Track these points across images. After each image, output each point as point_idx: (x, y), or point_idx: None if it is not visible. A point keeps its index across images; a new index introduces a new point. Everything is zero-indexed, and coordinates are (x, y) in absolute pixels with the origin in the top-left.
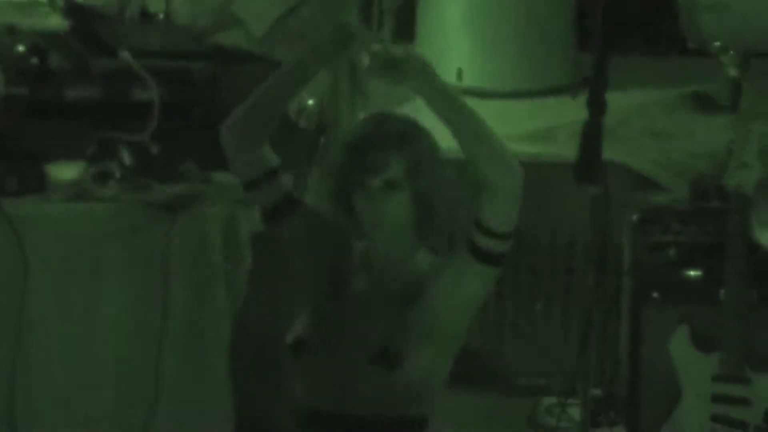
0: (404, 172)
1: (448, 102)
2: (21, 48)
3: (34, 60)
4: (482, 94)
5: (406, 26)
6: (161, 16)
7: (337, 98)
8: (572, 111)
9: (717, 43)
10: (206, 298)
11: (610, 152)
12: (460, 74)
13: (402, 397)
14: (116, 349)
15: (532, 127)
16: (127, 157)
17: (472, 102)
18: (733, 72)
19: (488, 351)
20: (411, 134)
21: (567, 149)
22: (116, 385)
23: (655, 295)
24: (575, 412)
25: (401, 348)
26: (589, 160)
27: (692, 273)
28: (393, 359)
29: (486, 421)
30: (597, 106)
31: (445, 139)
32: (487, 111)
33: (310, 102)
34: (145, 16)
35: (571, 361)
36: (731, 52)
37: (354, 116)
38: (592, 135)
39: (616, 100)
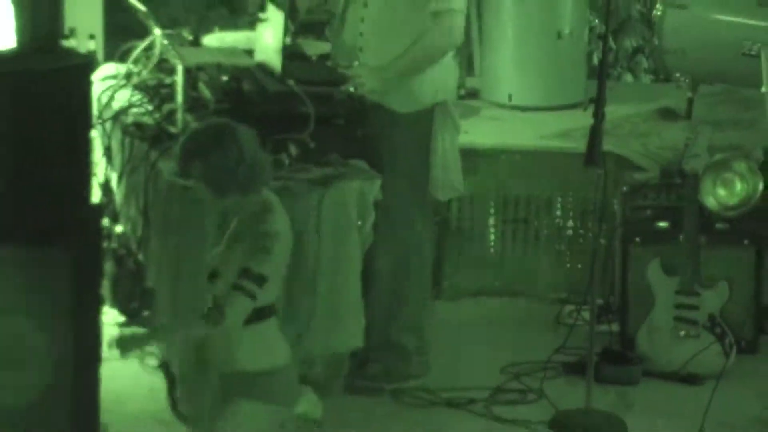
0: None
1: None
2: (224, 78)
3: (233, 85)
4: (524, 108)
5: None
6: (314, 58)
7: None
8: (583, 119)
9: (677, 75)
10: (345, 242)
11: (607, 146)
12: (510, 97)
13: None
14: (292, 264)
15: (557, 129)
16: (293, 150)
17: (516, 114)
18: (688, 93)
19: (528, 274)
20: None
21: (580, 144)
22: (285, 307)
23: (637, 239)
24: (586, 314)
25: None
26: (594, 151)
27: (662, 225)
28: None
29: (525, 321)
30: (599, 116)
31: None
32: (527, 119)
33: None
34: (304, 57)
35: (583, 281)
36: (686, 80)
37: None
38: (595, 134)
39: (612, 112)
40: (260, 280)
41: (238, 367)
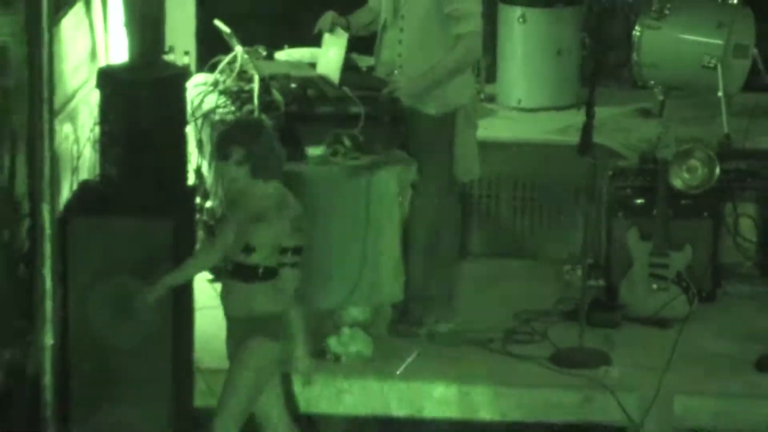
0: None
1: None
2: (292, 85)
3: (299, 91)
4: (531, 110)
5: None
6: (364, 68)
7: None
8: (578, 117)
9: (652, 82)
10: (388, 214)
11: (596, 139)
12: (519, 101)
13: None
14: (340, 241)
15: (556, 126)
16: (347, 142)
17: (524, 114)
18: (660, 97)
19: (534, 240)
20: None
21: (575, 138)
22: (339, 267)
23: (619, 213)
24: (580, 272)
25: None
26: (586, 142)
27: (639, 201)
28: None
29: (532, 277)
30: (590, 115)
31: None
32: (533, 118)
33: None
34: (356, 69)
35: (578, 246)
36: (659, 87)
37: None
38: (587, 129)
39: (600, 112)
40: (299, 250)
41: (254, 312)
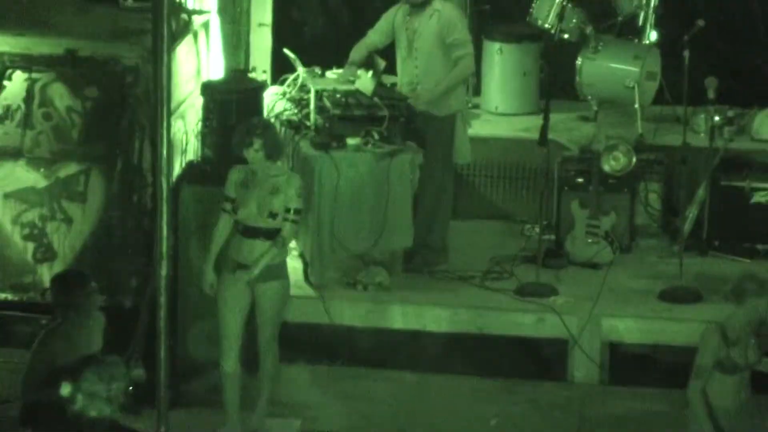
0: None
1: None
2: (338, 96)
3: (342, 100)
4: (504, 114)
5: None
6: (389, 84)
7: None
8: (537, 120)
9: (589, 97)
10: (402, 187)
11: (550, 135)
12: (496, 108)
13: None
14: (369, 205)
15: (523, 126)
16: (375, 135)
17: (500, 117)
18: (595, 107)
19: (505, 206)
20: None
21: (535, 135)
22: (368, 221)
23: (566, 188)
24: (537, 229)
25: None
26: (543, 138)
27: (579, 180)
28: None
29: (504, 233)
30: (546, 118)
31: None
32: (506, 120)
33: None
34: (382, 84)
35: (536, 211)
36: (594, 100)
37: None
38: (544, 129)
39: (553, 117)
40: (299, 211)
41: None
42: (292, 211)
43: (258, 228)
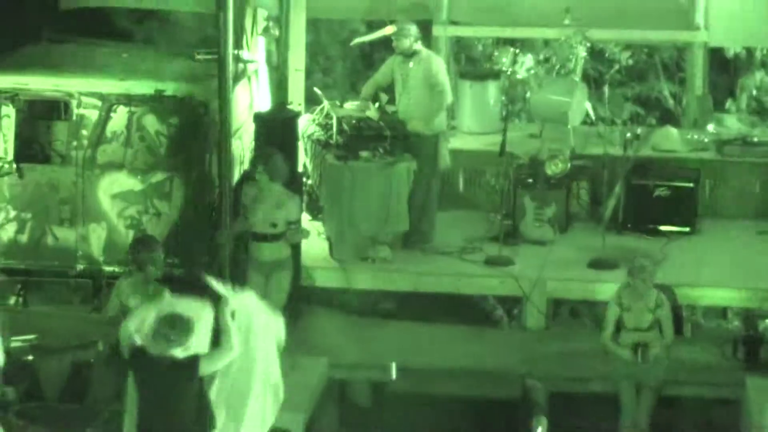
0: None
1: None
2: (353, 121)
3: (356, 124)
4: (474, 133)
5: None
6: (390, 112)
7: None
8: (498, 137)
9: (536, 120)
10: (400, 187)
11: (508, 148)
12: (468, 128)
13: None
14: (376, 200)
15: (488, 141)
16: (381, 150)
17: (472, 135)
18: (540, 127)
19: (476, 200)
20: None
21: (497, 147)
22: (375, 211)
23: (519, 186)
24: (500, 217)
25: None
26: (502, 150)
27: (530, 180)
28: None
29: (475, 220)
30: (505, 136)
31: None
32: (476, 137)
33: None
34: (385, 112)
35: (500, 203)
36: (540, 121)
37: None
38: (503, 143)
39: (510, 134)
40: (298, 221)
41: (279, 257)
42: (293, 223)
43: (264, 234)
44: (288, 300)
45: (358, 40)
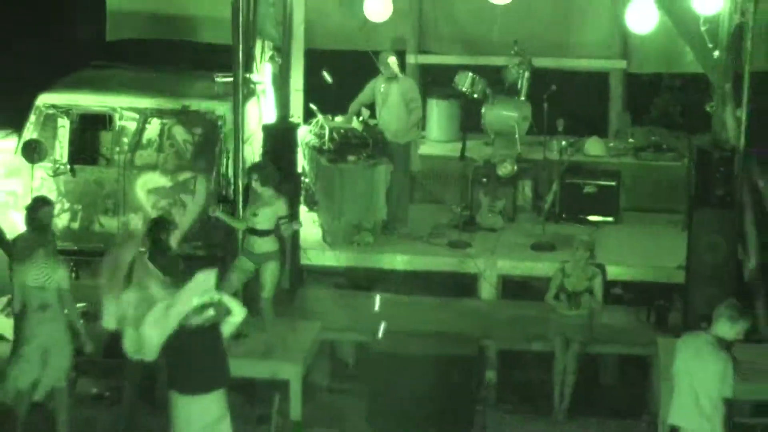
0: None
1: None
2: (342, 131)
3: (344, 133)
4: (439, 141)
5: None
6: (372, 124)
7: None
8: (459, 145)
9: (490, 131)
10: (380, 184)
11: (467, 154)
12: (435, 137)
13: None
14: (360, 194)
15: (451, 148)
16: (364, 154)
17: (436, 143)
18: (492, 136)
19: (442, 195)
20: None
21: (458, 153)
22: (360, 203)
23: (476, 184)
24: (460, 209)
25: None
26: (462, 155)
27: (485, 180)
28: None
29: (440, 212)
30: (464, 144)
31: None
32: (441, 145)
33: None
34: (368, 125)
35: (459, 197)
36: (493, 133)
37: None
38: (463, 149)
39: (470, 143)
40: (286, 216)
41: (266, 249)
42: (282, 218)
43: (255, 229)
44: (288, 279)
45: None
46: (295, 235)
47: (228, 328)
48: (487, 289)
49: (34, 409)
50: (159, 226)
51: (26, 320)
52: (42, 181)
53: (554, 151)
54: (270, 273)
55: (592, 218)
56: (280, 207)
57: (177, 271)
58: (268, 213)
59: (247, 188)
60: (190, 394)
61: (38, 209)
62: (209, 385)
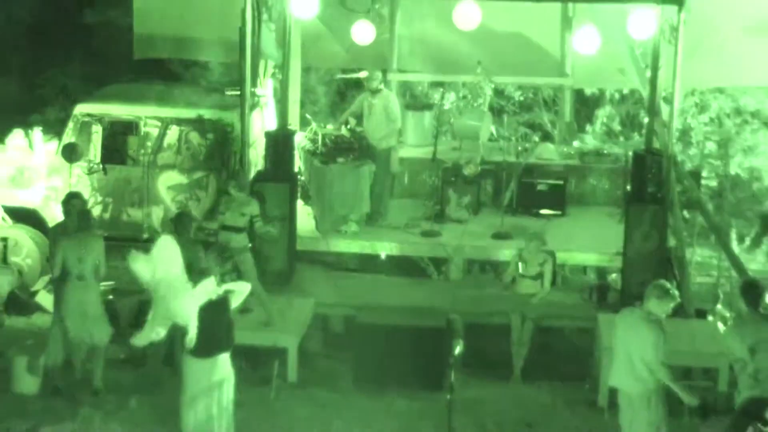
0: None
1: None
2: (333, 136)
3: (336, 139)
4: (415, 146)
5: None
6: (359, 131)
7: None
8: (431, 148)
9: (458, 137)
10: (364, 182)
11: (438, 156)
12: (411, 142)
13: None
14: (348, 191)
15: (424, 151)
16: (351, 157)
17: (412, 147)
18: (460, 142)
19: (419, 192)
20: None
21: (429, 155)
22: (348, 198)
23: (446, 183)
24: (433, 204)
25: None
26: (434, 157)
27: (453, 179)
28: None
29: (416, 207)
30: (435, 148)
31: None
32: (416, 149)
33: None
34: (355, 132)
35: (429, 196)
36: (460, 138)
37: None
38: (435, 152)
39: (439, 147)
40: (258, 217)
41: (242, 244)
42: (256, 217)
43: (231, 226)
44: (287, 262)
45: (340, 75)
46: (292, 224)
47: (237, 298)
48: (455, 271)
49: (70, 367)
50: (183, 220)
51: (65, 287)
52: (78, 178)
53: (512, 154)
54: (248, 263)
55: (544, 212)
56: (254, 207)
57: (196, 257)
58: (243, 211)
59: (251, 186)
60: (200, 357)
61: (69, 201)
62: (216, 349)
